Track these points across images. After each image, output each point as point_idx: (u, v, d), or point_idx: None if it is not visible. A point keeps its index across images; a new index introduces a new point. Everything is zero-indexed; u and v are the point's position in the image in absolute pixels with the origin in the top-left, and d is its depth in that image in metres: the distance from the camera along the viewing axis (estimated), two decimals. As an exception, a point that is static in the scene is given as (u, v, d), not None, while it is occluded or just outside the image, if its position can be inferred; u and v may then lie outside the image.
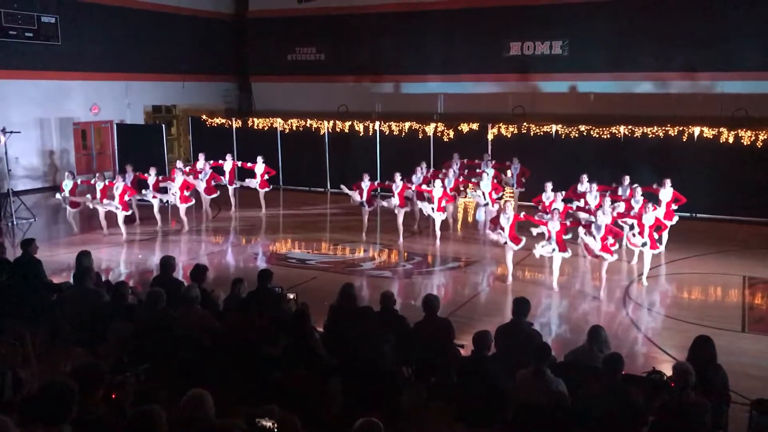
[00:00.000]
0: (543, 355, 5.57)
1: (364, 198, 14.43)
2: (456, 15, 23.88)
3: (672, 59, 21.03)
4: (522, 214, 12.17)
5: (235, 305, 7.38)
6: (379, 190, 15.90)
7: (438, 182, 13.81)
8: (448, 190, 14.06)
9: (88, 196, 14.94)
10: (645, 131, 17.22)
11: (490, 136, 18.85)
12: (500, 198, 15.29)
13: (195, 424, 3.80)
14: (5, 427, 3.76)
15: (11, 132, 16.18)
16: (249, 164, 17.36)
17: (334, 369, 6.15)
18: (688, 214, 16.50)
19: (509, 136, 18.67)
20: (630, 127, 17.43)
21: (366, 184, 14.46)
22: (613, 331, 9.03)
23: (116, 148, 21.23)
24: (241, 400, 5.02)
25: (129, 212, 14.72)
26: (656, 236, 11.49)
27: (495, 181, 15.11)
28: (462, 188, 16.02)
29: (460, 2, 23.77)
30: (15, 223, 15.78)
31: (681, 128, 16.91)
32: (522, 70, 23.26)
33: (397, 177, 14.30)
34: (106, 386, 4.35)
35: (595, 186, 13.01)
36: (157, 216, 15.38)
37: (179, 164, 15.84)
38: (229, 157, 17.41)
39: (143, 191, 15.18)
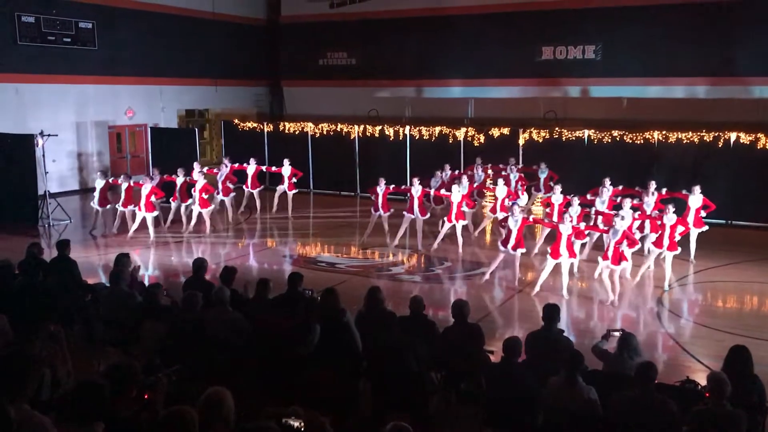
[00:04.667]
0: (575, 362, 5.52)
1: (380, 202, 14.01)
2: (488, 19, 23.78)
3: (707, 63, 20.69)
4: (531, 218, 12.07)
5: (262, 307, 7.42)
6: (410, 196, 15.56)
7: (455, 187, 13.39)
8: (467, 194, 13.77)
9: (118, 206, 15.18)
10: (679, 137, 16.96)
11: (521, 141, 18.73)
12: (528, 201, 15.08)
13: (214, 423, 3.83)
14: (44, 426, 3.83)
15: (48, 135, 16.51)
16: (274, 168, 17.41)
17: (364, 370, 6.17)
18: (723, 221, 16.27)
19: (541, 141, 18.53)
20: (664, 132, 17.19)
21: (381, 188, 14.05)
22: (645, 339, 8.91)
23: (150, 151, 21.56)
24: (272, 400, 5.05)
25: (156, 213, 14.79)
26: (678, 238, 11.22)
27: (520, 184, 14.94)
28: (482, 192, 15.82)
29: (492, 7, 23.66)
30: (51, 224, 16.08)
31: (717, 134, 16.61)
32: (554, 75, 23.09)
33: (416, 182, 13.84)
34: (139, 386, 4.41)
35: (607, 192, 12.66)
36: (184, 219, 15.55)
37: (197, 166, 15.69)
38: (252, 161, 17.24)
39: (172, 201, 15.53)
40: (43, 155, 16.49)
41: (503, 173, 15.72)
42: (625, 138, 17.56)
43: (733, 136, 16.43)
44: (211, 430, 3.80)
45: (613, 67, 22.17)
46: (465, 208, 13.57)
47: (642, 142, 17.35)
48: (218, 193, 16.15)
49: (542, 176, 15.85)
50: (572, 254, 10.84)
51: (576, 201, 11.98)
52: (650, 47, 21.48)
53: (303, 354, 6.22)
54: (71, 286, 8.72)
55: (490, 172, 16.32)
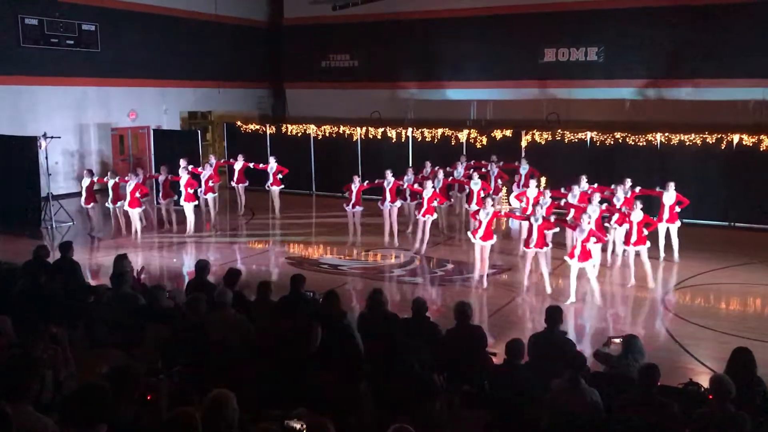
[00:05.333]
0: (578, 364, 5.51)
1: (353, 199, 14.37)
2: (490, 21, 23.80)
3: (710, 65, 20.67)
4: (503, 212, 12.28)
5: (265, 309, 7.42)
6: (403, 195, 15.62)
7: (429, 183, 13.75)
8: (437, 191, 14.21)
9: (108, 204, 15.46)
10: (682, 138, 16.94)
11: (523, 143, 18.71)
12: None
13: (218, 426, 3.83)
14: (46, 428, 3.84)
15: (52, 137, 16.54)
16: (261, 165, 17.55)
17: (366, 372, 6.16)
18: (726, 223, 16.26)
19: (543, 143, 18.52)
20: (667, 134, 17.17)
21: (356, 185, 14.39)
22: (647, 341, 8.89)
23: (153, 153, 21.58)
24: (274, 403, 5.05)
25: (142, 208, 15.11)
26: (645, 232, 11.48)
27: (498, 182, 15.52)
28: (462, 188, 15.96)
29: (494, 9, 23.67)
30: (54, 226, 16.11)
31: (719, 135, 16.59)
32: (556, 77, 23.08)
33: (389, 174, 14.31)
34: (141, 388, 4.41)
35: (578, 189, 12.84)
36: (171, 218, 15.85)
37: (182, 163, 15.84)
38: (240, 157, 17.74)
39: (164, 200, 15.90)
40: (46, 157, 16.51)
41: (483, 170, 16.08)
42: (627, 140, 17.54)
43: (735, 137, 16.41)
44: (214, 433, 3.80)
45: (616, 69, 22.16)
46: (435, 204, 13.80)
47: (645, 143, 17.33)
48: (201, 192, 16.35)
49: (523, 172, 15.87)
50: (543, 244, 11.13)
51: (548, 193, 12.51)
52: (653, 49, 21.47)
53: (305, 356, 6.22)
54: (74, 287, 8.73)
55: (493, 175, 16.35)
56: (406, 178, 14.97)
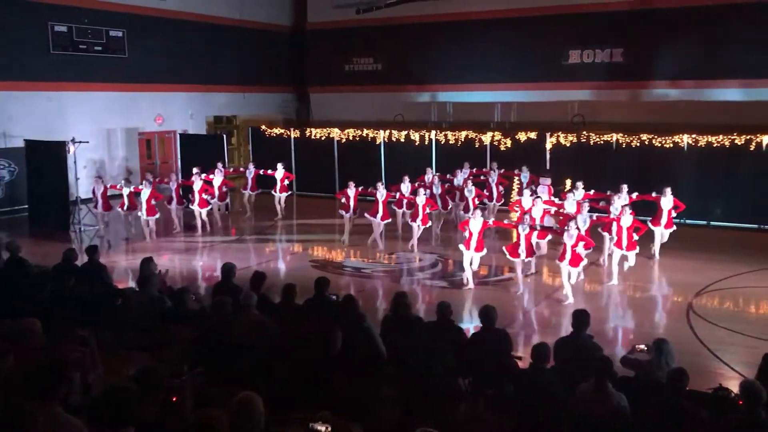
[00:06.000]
0: (605, 368, 5.45)
1: (351, 205, 14.79)
2: (515, 23, 23.67)
3: (736, 66, 20.34)
4: (491, 221, 12.37)
5: (290, 311, 7.45)
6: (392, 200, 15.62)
7: (422, 191, 13.96)
8: (437, 198, 14.66)
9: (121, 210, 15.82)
10: (709, 140, 16.71)
11: (548, 145, 18.60)
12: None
13: (244, 427, 3.84)
14: (73, 429, 3.89)
15: (80, 142, 16.78)
16: (269, 171, 17.85)
17: (390, 376, 6.16)
18: (755, 226, 16.01)
19: (568, 145, 18.39)
20: (693, 135, 16.96)
21: (352, 191, 14.82)
22: (675, 345, 8.75)
23: (179, 157, 21.81)
24: (296, 405, 5.06)
25: (156, 216, 15.43)
26: (635, 237, 11.71)
27: (500, 188, 15.78)
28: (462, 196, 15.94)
29: (518, 11, 23.54)
30: (82, 230, 16.33)
31: (747, 137, 16.35)
32: (581, 78, 22.89)
33: (380, 186, 14.61)
34: (165, 390, 4.45)
35: (573, 197, 13.06)
36: (176, 221, 16.18)
37: (195, 170, 16.31)
38: (251, 165, 18.22)
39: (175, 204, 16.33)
40: (75, 162, 16.75)
41: (482, 177, 16.34)
42: (654, 141, 17.35)
43: (765, 139, 16.15)
44: (240, 435, 3.81)
45: (641, 71, 21.92)
46: (428, 211, 14.01)
47: (671, 145, 17.12)
48: (213, 198, 16.74)
49: (524, 180, 15.85)
50: (529, 253, 11.30)
51: (540, 202, 12.82)
52: (678, 50, 21.18)
53: (326, 359, 6.23)
54: (101, 290, 8.83)
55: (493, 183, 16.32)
56: (403, 186, 15.03)
